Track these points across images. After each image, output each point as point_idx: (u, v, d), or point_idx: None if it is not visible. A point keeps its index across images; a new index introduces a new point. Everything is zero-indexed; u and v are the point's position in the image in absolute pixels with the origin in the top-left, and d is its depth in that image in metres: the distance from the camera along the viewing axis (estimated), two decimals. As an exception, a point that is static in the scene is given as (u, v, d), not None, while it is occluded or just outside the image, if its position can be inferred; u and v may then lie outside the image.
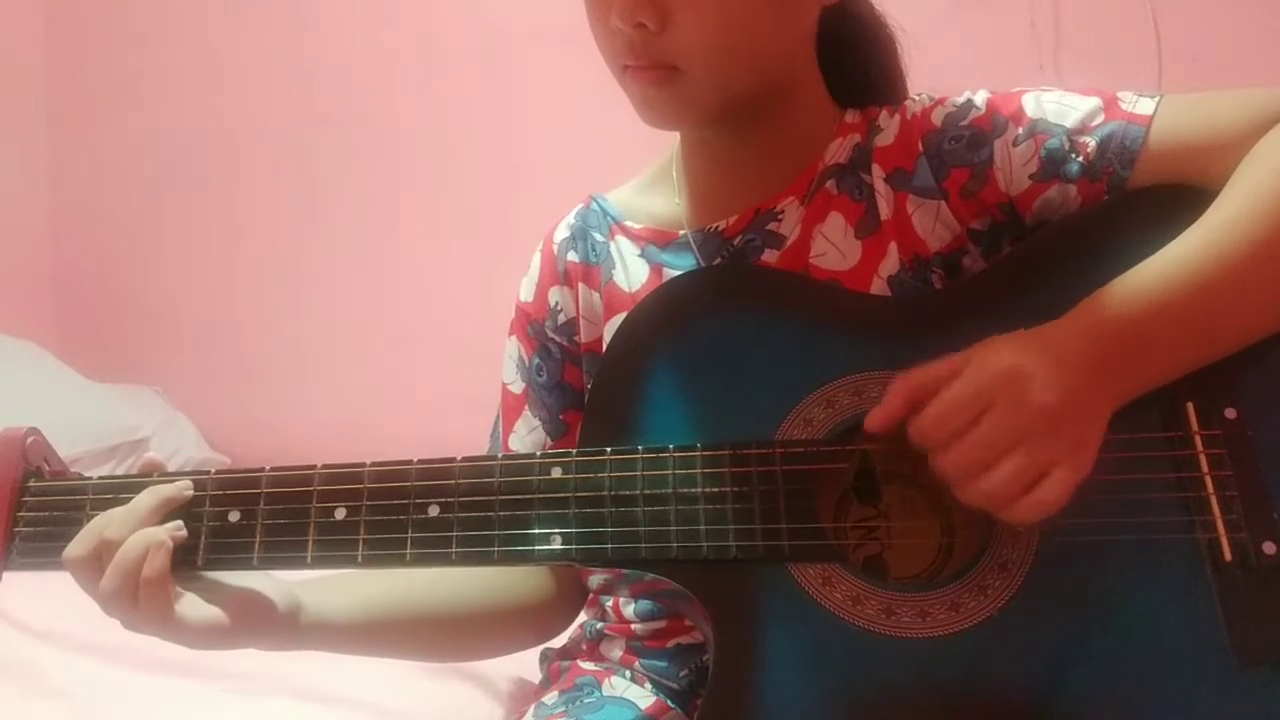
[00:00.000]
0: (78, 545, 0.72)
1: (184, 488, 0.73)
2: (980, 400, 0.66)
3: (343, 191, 2.35)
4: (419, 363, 2.25)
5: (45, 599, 1.42)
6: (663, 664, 0.88)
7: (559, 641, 0.99)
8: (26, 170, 2.61)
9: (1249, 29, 1.67)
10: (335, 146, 2.34)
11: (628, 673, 0.90)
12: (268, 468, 0.74)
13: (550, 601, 0.91)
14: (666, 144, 0.95)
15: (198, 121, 2.49)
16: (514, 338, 0.96)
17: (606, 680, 0.89)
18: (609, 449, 0.72)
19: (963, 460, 0.66)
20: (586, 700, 0.87)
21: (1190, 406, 0.72)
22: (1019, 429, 0.65)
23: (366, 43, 2.30)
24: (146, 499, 0.72)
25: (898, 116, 0.87)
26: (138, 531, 0.70)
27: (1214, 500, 0.69)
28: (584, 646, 0.95)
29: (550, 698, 0.90)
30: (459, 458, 0.73)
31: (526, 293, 0.95)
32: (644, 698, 0.87)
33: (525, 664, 1.17)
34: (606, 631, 0.92)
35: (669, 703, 0.87)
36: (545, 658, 0.99)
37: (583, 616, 0.97)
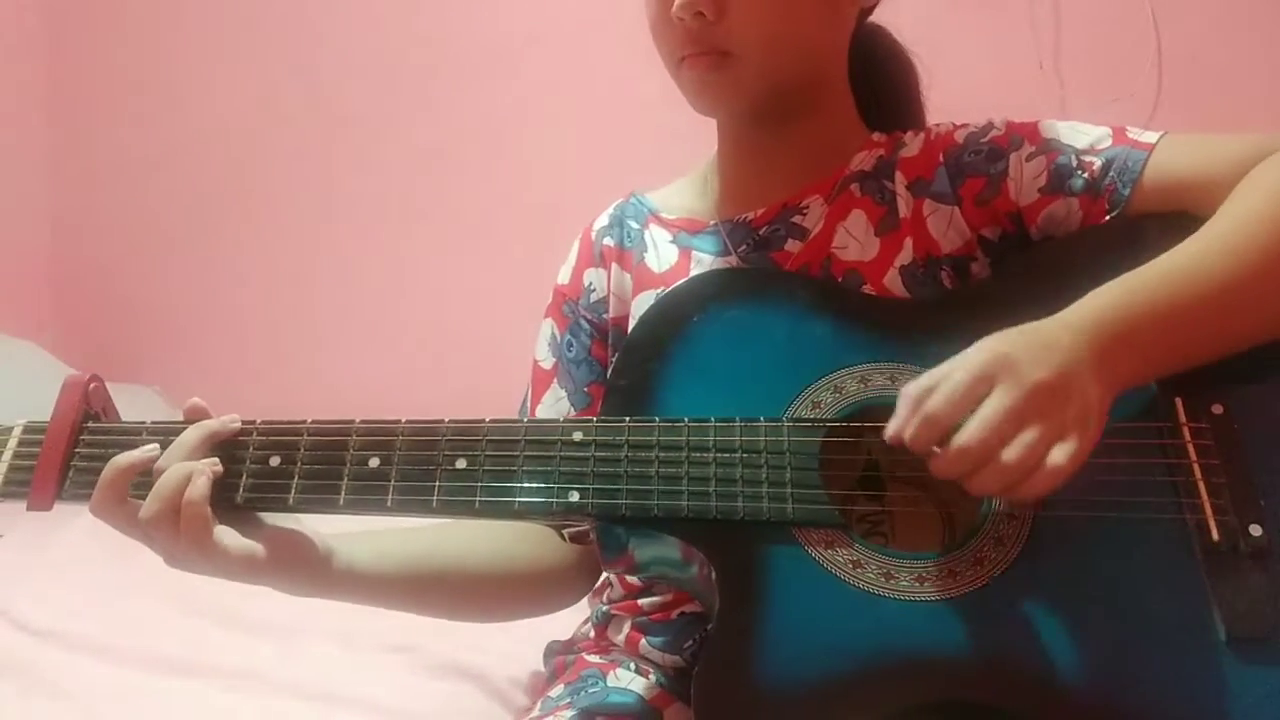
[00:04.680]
0: (119, 469, 0.75)
1: (229, 420, 0.78)
2: (978, 386, 0.68)
3: (344, 192, 2.35)
4: (420, 363, 2.25)
5: (46, 599, 1.42)
6: (668, 638, 0.91)
7: (565, 634, 1.02)
8: (26, 170, 2.61)
9: (1249, 29, 1.68)
10: (336, 147, 2.35)
11: (632, 664, 0.92)
12: (309, 420, 0.79)
13: (571, 568, 0.94)
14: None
15: (199, 121, 2.49)
16: (549, 319, 1.01)
17: (611, 673, 0.92)
18: (628, 418, 0.76)
19: (974, 445, 0.67)
20: (591, 690, 0.90)
21: (1179, 402, 0.75)
22: (1021, 408, 0.67)
23: (369, 42, 2.31)
24: (192, 433, 0.77)
25: (922, 135, 0.93)
26: (178, 463, 0.75)
27: (1202, 485, 0.72)
28: (590, 634, 0.98)
29: (556, 690, 0.93)
30: (488, 419, 0.78)
31: (564, 276, 1.01)
32: (648, 689, 0.90)
33: (525, 663, 1.18)
34: (613, 612, 0.96)
35: (672, 695, 0.89)
36: (550, 651, 1.02)
37: (587, 610, 1.01)
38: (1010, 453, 0.66)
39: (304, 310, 2.40)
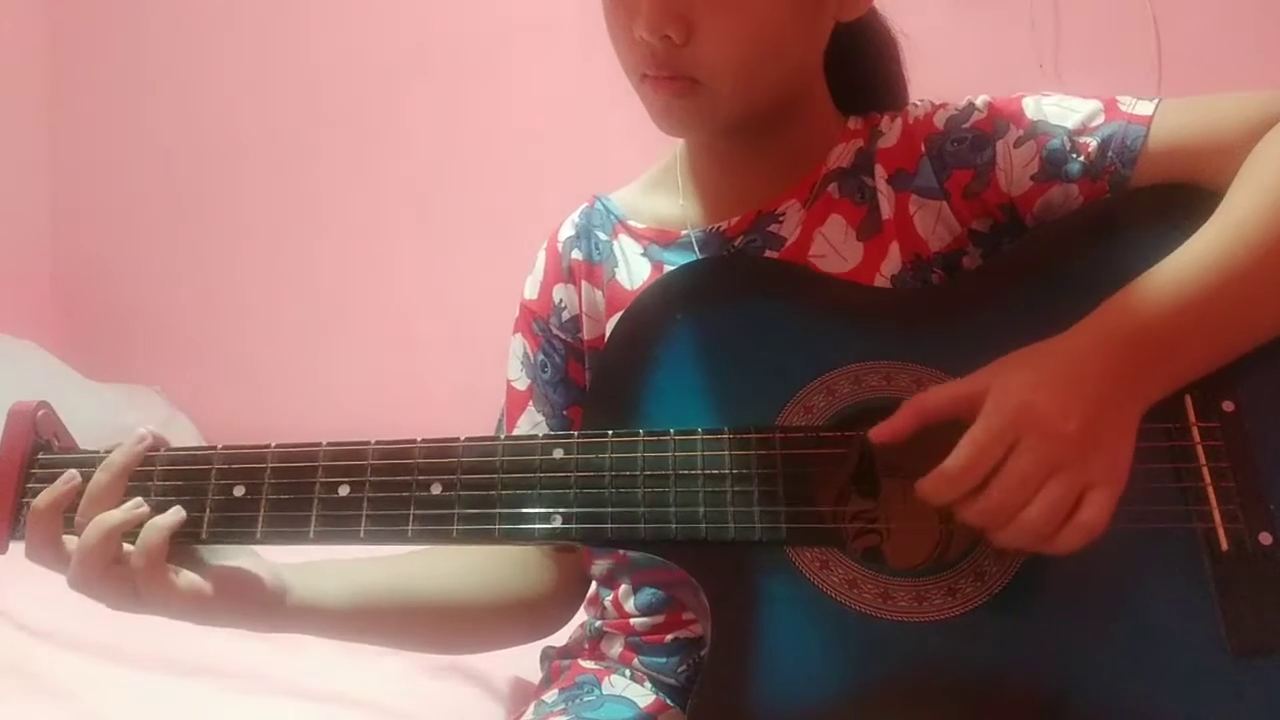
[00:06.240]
0: (39, 512, 0.71)
1: (138, 440, 0.73)
2: (1003, 441, 0.66)
3: (343, 191, 2.35)
4: (420, 363, 2.25)
5: (46, 599, 1.42)
6: (661, 660, 0.88)
7: (560, 640, 0.99)
8: (26, 170, 2.61)
9: (1249, 29, 1.67)
10: (336, 146, 2.34)
11: (627, 671, 0.90)
12: (273, 444, 0.74)
13: (547, 597, 0.90)
14: (669, 141, 0.95)
15: (198, 121, 2.49)
16: (519, 336, 0.96)
17: (606, 679, 0.89)
18: (610, 432, 0.73)
19: (997, 506, 0.65)
20: (586, 698, 0.87)
21: (1188, 399, 0.72)
22: (1048, 463, 0.65)
23: (367, 40, 2.30)
24: (99, 477, 0.72)
25: (899, 120, 0.88)
26: (94, 520, 0.70)
27: (1211, 491, 0.69)
28: (585, 646, 0.95)
29: (550, 695, 0.91)
30: (462, 438, 0.74)
31: (531, 291, 0.96)
32: (643, 696, 0.87)
33: (525, 664, 1.17)
34: (606, 629, 0.93)
35: (668, 701, 0.87)
36: (546, 656, 1.00)
37: (583, 616, 0.98)
38: (1035, 510, 0.64)
39: (304, 311, 2.39)
